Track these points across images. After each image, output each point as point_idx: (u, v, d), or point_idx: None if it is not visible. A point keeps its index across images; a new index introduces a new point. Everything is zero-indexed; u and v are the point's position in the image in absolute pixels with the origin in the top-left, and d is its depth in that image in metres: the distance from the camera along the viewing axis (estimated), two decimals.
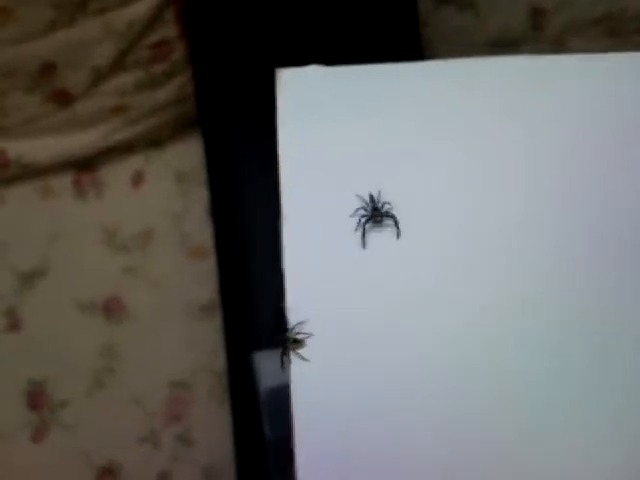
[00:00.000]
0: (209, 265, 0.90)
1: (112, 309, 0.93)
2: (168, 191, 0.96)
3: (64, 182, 0.95)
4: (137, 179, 0.96)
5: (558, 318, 0.38)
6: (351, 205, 0.38)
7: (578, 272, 0.39)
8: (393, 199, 0.38)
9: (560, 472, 0.36)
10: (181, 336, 0.93)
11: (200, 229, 0.93)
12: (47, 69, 0.87)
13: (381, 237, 0.38)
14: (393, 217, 0.38)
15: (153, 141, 0.96)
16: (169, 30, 0.87)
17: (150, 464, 0.90)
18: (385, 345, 0.37)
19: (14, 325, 0.92)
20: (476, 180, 0.40)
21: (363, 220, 0.38)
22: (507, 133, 0.41)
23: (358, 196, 0.39)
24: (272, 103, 0.41)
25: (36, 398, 0.91)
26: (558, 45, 0.97)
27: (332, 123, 0.40)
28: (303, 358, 0.37)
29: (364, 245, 0.38)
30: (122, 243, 0.95)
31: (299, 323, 0.37)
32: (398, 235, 0.39)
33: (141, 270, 0.94)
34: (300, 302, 0.37)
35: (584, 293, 0.38)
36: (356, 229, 0.38)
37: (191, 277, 0.94)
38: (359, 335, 0.38)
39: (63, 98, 0.90)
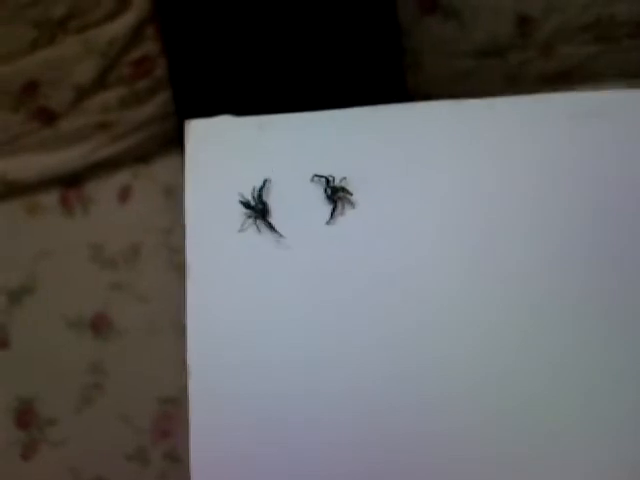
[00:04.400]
0: None
1: (100, 325, 0.93)
2: (155, 206, 0.96)
3: (51, 199, 0.95)
4: (124, 195, 0.96)
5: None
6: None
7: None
8: None
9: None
10: (169, 352, 0.92)
11: None
12: (30, 87, 0.87)
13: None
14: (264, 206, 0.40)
15: (139, 156, 0.96)
16: (151, 46, 0.87)
17: None
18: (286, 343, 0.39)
19: (2, 342, 0.92)
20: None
21: (251, 220, 0.41)
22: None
23: (240, 202, 0.41)
24: None
25: (24, 416, 0.91)
26: (546, 52, 0.96)
27: (239, 172, 0.41)
28: None
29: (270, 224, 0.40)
30: (109, 259, 0.94)
31: None
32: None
33: (129, 286, 0.94)
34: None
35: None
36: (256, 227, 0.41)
37: (179, 292, 0.94)
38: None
39: (47, 116, 0.90)
